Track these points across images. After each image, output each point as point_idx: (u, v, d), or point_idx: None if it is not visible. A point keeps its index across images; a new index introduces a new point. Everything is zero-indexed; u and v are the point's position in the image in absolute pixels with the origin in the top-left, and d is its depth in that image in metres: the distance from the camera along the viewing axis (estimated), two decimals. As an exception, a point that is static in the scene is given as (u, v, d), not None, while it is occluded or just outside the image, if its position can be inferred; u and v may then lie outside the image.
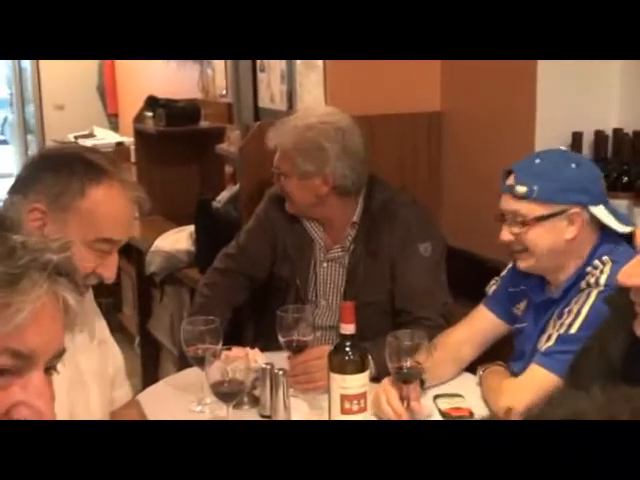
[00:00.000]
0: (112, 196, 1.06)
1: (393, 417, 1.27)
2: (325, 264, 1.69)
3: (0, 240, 0.54)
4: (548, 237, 1.29)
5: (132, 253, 2.53)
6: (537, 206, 1.27)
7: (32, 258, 0.54)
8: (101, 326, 1.24)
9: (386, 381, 1.29)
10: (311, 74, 2.09)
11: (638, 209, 1.61)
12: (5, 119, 5.80)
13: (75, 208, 1.04)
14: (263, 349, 1.51)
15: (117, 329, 3.03)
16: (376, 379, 1.40)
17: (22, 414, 0.55)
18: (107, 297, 2.87)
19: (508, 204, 1.30)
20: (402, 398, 1.24)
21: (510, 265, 1.48)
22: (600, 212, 1.28)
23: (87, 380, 1.12)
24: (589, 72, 1.82)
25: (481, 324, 1.49)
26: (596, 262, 1.29)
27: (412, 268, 1.55)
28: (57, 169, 1.05)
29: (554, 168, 1.30)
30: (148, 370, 2.60)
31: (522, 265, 1.34)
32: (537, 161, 1.30)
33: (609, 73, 1.84)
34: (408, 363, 1.24)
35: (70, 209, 1.04)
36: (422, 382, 1.30)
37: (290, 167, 1.57)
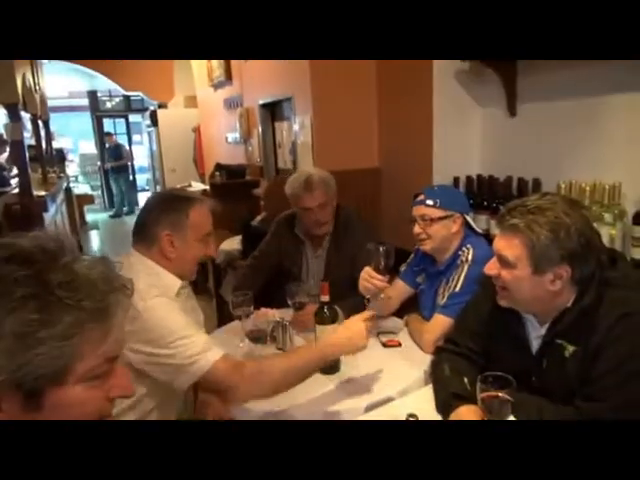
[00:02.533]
0: (202, 210, 1.40)
1: (371, 282, 1.60)
2: (312, 260, 2.16)
3: (77, 274, 0.59)
4: (442, 230, 1.70)
5: None
6: (438, 211, 1.68)
7: (112, 287, 0.61)
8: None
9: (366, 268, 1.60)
10: (304, 149, 2.99)
11: (492, 221, 2.10)
12: (147, 179, 7.61)
13: (187, 224, 1.36)
14: (279, 308, 1.86)
15: (204, 292, 4.21)
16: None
17: (116, 393, 0.65)
18: (202, 274, 3.96)
19: (420, 210, 1.71)
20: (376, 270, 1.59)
21: (413, 255, 1.92)
22: (468, 218, 1.76)
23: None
24: (461, 140, 2.48)
25: (399, 288, 1.91)
26: (464, 248, 1.70)
27: (364, 257, 1.77)
28: (168, 209, 1.36)
29: (446, 192, 1.78)
30: (220, 317, 3.19)
31: (426, 248, 1.73)
32: (436, 188, 1.79)
33: (473, 139, 2.48)
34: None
35: (184, 226, 1.36)
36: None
37: (325, 198, 2.03)
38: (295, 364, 1.29)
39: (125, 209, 9.94)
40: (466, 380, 1.23)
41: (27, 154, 3.70)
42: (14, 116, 3.37)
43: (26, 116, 4.83)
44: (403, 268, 1.97)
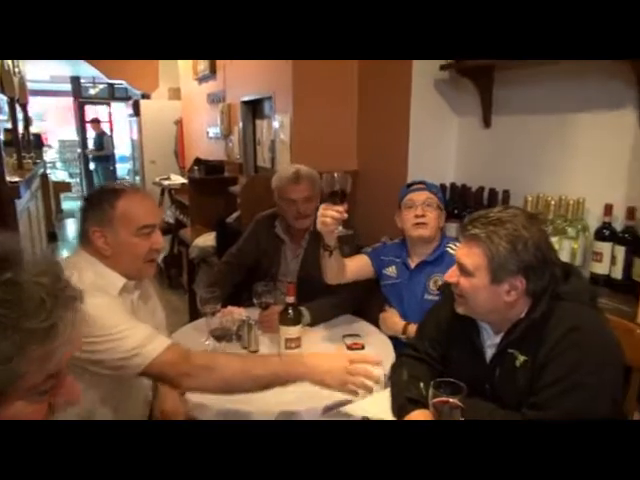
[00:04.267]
0: (132, 200, 1.30)
1: (327, 214, 1.51)
2: (291, 260, 2.16)
3: (19, 290, 0.54)
4: (438, 219, 1.82)
5: (186, 246, 3.60)
6: (438, 201, 1.83)
7: (59, 303, 0.56)
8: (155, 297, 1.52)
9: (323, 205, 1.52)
10: (283, 148, 2.99)
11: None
12: (128, 169, 7.69)
13: (114, 218, 1.27)
14: (248, 307, 1.86)
15: (178, 287, 4.37)
16: (311, 325, 1.85)
17: (60, 401, 0.62)
18: (176, 268, 4.27)
19: (424, 195, 1.80)
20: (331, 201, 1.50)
21: (381, 244, 2.00)
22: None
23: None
24: (437, 147, 2.49)
25: (360, 260, 1.93)
26: (450, 245, 1.82)
27: None
28: (94, 203, 1.30)
29: (439, 190, 1.92)
30: (193, 313, 3.17)
31: (424, 232, 1.78)
32: (431, 182, 1.90)
33: (449, 148, 2.51)
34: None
35: (112, 220, 1.27)
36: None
37: (311, 193, 2.04)
38: (251, 369, 1.24)
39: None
40: (422, 385, 1.25)
41: (2, 138, 3.62)
42: (-11, 99, 3.29)
43: (3, 99, 4.73)
44: (367, 249, 2.00)
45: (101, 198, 1.30)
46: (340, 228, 1.55)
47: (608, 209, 1.74)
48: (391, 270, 1.90)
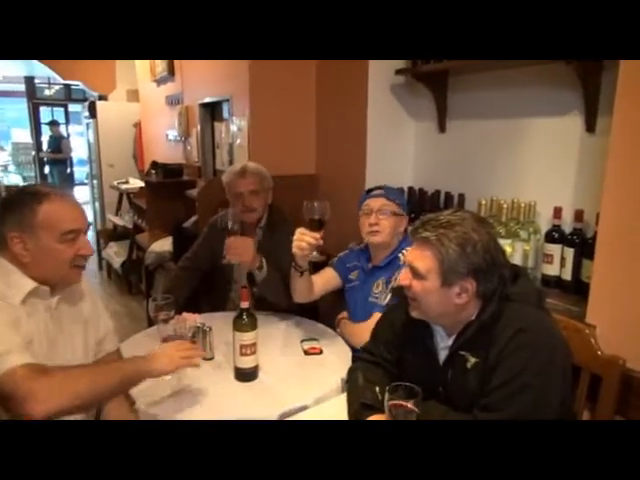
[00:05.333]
0: (54, 203, 1.22)
1: (304, 239, 1.54)
2: None
3: None
4: (394, 225, 1.78)
5: (144, 251, 3.51)
6: (396, 207, 1.79)
7: None
8: (91, 302, 1.41)
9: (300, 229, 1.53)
10: (241, 151, 2.97)
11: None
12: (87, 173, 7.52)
13: (35, 223, 1.19)
14: (204, 312, 1.89)
15: (138, 293, 4.33)
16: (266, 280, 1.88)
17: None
18: (135, 274, 4.18)
19: (380, 202, 1.77)
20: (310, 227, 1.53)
21: (347, 251, 1.99)
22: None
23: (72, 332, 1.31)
24: (394, 152, 2.50)
25: (327, 275, 1.94)
26: (403, 251, 1.76)
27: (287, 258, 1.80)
28: (13, 206, 1.22)
29: (399, 193, 1.91)
30: (151, 319, 3.11)
31: (377, 239, 1.77)
32: (391, 187, 1.87)
33: (406, 152, 2.54)
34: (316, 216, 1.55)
35: (33, 226, 1.19)
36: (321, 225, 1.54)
37: (258, 186, 2.07)
38: (103, 381, 1.17)
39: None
40: (378, 390, 1.25)
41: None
42: None
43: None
44: (334, 260, 2.00)
45: (21, 201, 1.21)
46: (314, 253, 1.61)
47: (557, 212, 1.78)
48: (354, 275, 1.92)
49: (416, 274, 1.19)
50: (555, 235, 1.78)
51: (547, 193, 1.88)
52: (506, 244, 1.83)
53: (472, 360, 1.19)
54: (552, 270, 1.78)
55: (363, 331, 1.70)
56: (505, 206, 1.90)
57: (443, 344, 1.28)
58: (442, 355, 1.28)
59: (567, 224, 1.79)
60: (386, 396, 1.09)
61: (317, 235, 1.54)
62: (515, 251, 1.86)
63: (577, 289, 1.69)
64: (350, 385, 1.38)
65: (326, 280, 1.93)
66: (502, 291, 1.18)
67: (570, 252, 1.72)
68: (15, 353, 1.09)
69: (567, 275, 1.73)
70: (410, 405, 1.06)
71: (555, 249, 1.77)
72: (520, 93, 1.98)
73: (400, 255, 1.78)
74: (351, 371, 1.44)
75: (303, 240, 1.54)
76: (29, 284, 1.22)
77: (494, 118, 2.11)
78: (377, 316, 1.68)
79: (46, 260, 1.22)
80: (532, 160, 1.97)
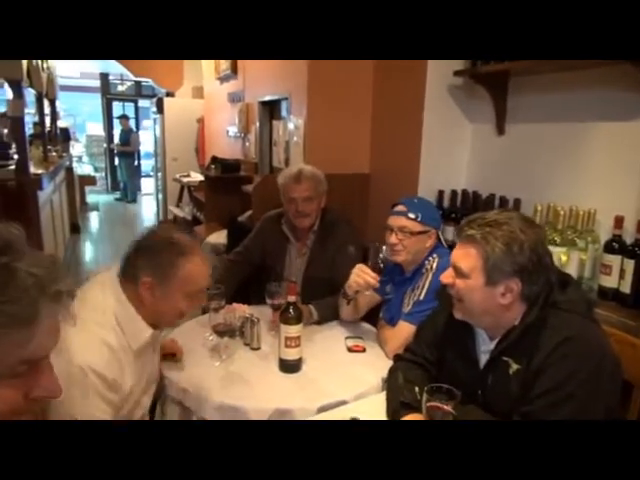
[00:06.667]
0: (195, 262, 1.24)
1: (364, 277, 1.63)
2: (296, 259, 2.17)
3: (10, 276, 0.55)
4: (418, 244, 1.73)
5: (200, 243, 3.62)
6: (418, 225, 1.71)
7: (43, 292, 0.57)
8: None
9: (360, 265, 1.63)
10: (297, 149, 3.02)
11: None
12: (153, 166, 7.86)
13: (172, 276, 1.21)
14: (258, 304, 1.93)
15: None
16: (319, 322, 1.92)
17: (38, 393, 0.62)
18: None
19: (400, 222, 1.72)
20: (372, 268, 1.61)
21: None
22: (439, 233, 1.83)
23: None
24: (449, 153, 2.46)
25: (367, 296, 1.89)
26: (430, 258, 1.75)
27: (343, 260, 1.97)
28: (153, 253, 1.22)
29: (425, 207, 1.78)
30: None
31: (399, 258, 1.74)
32: (416, 201, 1.78)
33: (461, 154, 2.49)
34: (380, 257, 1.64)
35: (169, 277, 1.21)
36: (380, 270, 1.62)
37: (312, 193, 2.07)
38: None
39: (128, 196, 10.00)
40: (417, 390, 1.25)
41: (27, 131, 3.73)
42: (16, 92, 3.39)
43: (32, 93, 4.87)
44: None
45: (163, 250, 1.22)
46: (367, 292, 1.74)
47: (619, 221, 1.70)
48: (389, 288, 1.91)
49: (460, 273, 1.18)
50: (615, 245, 1.70)
51: (609, 201, 1.80)
52: (561, 252, 1.78)
53: (514, 366, 1.17)
54: (610, 282, 1.70)
55: (387, 339, 1.74)
56: (562, 213, 1.84)
57: (485, 347, 1.27)
58: (483, 359, 1.27)
59: (629, 234, 1.71)
60: (424, 397, 1.09)
61: (377, 277, 1.63)
62: (571, 260, 1.79)
63: (636, 302, 1.61)
64: (390, 383, 1.39)
65: (368, 299, 1.94)
66: (548, 296, 1.16)
67: (631, 264, 1.65)
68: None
69: (626, 288, 1.66)
70: (448, 407, 1.06)
71: (614, 260, 1.69)
72: (583, 96, 1.90)
73: (426, 262, 1.75)
74: (392, 370, 1.44)
75: (363, 278, 1.63)
76: (148, 332, 1.26)
77: (555, 121, 2.04)
78: (401, 324, 1.71)
79: (166, 309, 1.25)
80: (594, 166, 1.89)
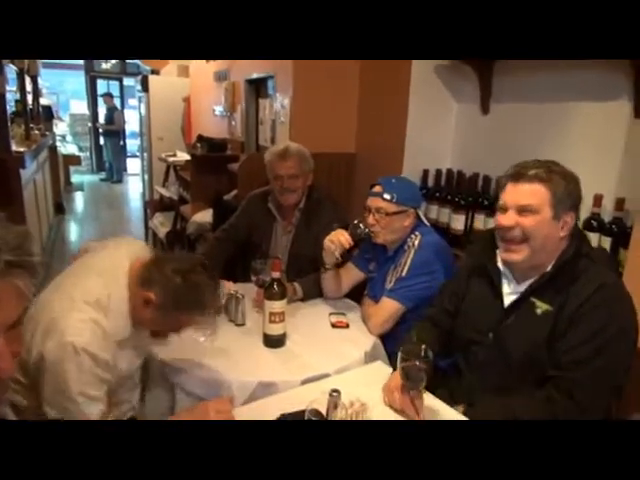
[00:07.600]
0: (203, 319, 1.27)
1: (338, 237, 1.70)
2: (282, 236, 2.19)
3: None
4: (395, 223, 1.74)
5: (187, 222, 3.60)
6: (394, 206, 1.72)
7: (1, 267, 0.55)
8: None
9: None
10: (283, 128, 3.01)
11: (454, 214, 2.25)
12: (139, 146, 7.77)
13: (177, 315, 1.23)
14: (244, 282, 1.95)
15: None
16: (303, 299, 1.94)
17: None
18: (179, 243, 4.14)
19: (377, 203, 1.73)
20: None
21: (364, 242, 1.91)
22: (419, 212, 1.83)
23: None
24: (434, 133, 2.48)
25: (350, 272, 1.97)
26: (412, 236, 1.76)
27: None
28: (177, 288, 1.18)
29: (402, 186, 1.77)
30: None
31: (377, 239, 1.77)
32: (393, 181, 1.78)
33: (446, 133, 2.51)
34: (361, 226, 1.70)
35: (173, 314, 1.22)
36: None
37: (298, 170, 2.07)
38: None
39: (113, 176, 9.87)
40: (424, 347, 1.25)
41: (8, 109, 3.65)
42: (-4, 68, 3.32)
43: (13, 69, 4.75)
44: (355, 254, 2.01)
45: (187, 296, 1.19)
46: (338, 256, 1.76)
47: (598, 200, 1.74)
48: (372, 266, 1.94)
49: (528, 210, 1.21)
50: (594, 223, 1.74)
51: (588, 180, 1.81)
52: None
53: (543, 307, 1.23)
54: (588, 259, 1.74)
55: (371, 314, 1.77)
56: (543, 191, 1.86)
57: (510, 290, 1.32)
58: (507, 300, 1.32)
59: (607, 212, 1.74)
60: (398, 358, 1.18)
61: (351, 241, 1.69)
62: (551, 238, 1.82)
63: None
64: (405, 340, 1.41)
65: (351, 276, 1.97)
66: (581, 244, 1.24)
67: (608, 241, 1.69)
68: (102, 403, 1.16)
69: (602, 264, 1.70)
70: (421, 364, 1.16)
71: (593, 237, 1.73)
72: (566, 77, 1.92)
73: (408, 240, 1.76)
74: (411, 328, 1.51)
75: (337, 238, 1.68)
76: (127, 332, 1.24)
77: (538, 102, 2.06)
78: (384, 301, 1.73)
79: (156, 326, 1.28)
80: (575, 145, 1.91)
